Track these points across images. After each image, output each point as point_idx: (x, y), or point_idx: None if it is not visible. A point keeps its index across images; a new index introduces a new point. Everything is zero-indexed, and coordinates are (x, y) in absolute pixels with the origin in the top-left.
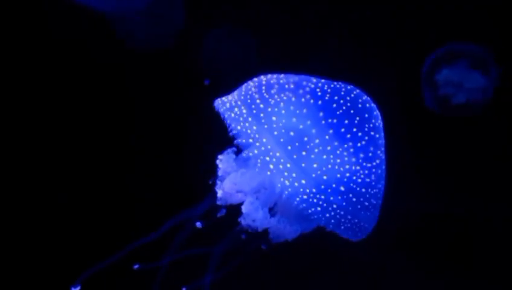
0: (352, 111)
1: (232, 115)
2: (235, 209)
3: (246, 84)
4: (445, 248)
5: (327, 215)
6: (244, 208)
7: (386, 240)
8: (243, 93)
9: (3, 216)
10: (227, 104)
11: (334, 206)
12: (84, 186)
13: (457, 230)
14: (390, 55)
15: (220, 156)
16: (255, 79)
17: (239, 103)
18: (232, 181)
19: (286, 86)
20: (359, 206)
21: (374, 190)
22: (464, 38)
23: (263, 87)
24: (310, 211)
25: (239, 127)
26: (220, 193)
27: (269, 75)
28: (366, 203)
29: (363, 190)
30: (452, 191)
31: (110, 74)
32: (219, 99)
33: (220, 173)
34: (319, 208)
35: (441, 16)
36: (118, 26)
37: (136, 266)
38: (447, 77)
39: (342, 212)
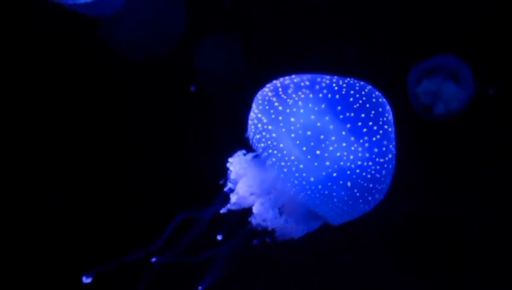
0: (367, 105)
1: (253, 129)
2: (236, 211)
3: (261, 92)
4: (432, 249)
5: (326, 207)
6: (255, 209)
7: (378, 240)
8: (260, 102)
9: (3, 216)
10: (252, 125)
11: (335, 200)
12: (84, 186)
13: (442, 230)
14: (378, 62)
15: (231, 159)
16: (269, 85)
17: (259, 115)
18: (246, 184)
19: (302, 84)
20: (360, 201)
21: (382, 186)
22: (442, 50)
23: (279, 89)
24: (310, 205)
25: (258, 136)
26: (234, 198)
27: (281, 78)
28: (370, 198)
29: (371, 185)
30: (441, 193)
31: (110, 74)
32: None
33: (231, 175)
34: (317, 201)
35: (422, 27)
36: (114, 32)
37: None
38: (425, 89)
39: (340, 205)
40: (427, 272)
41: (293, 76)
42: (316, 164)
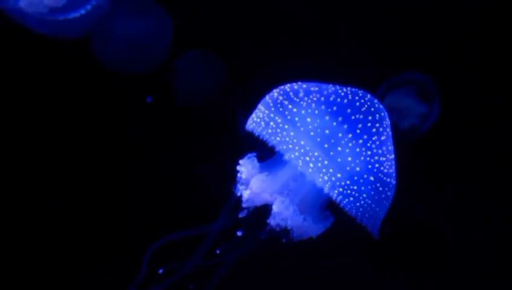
0: (372, 109)
1: (270, 130)
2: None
3: (268, 95)
4: (432, 249)
5: (357, 204)
6: (276, 207)
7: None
8: (271, 104)
9: (3, 216)
10: (262, 123)
11: (364, 195)
12: (83, 186)
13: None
14: (361, 73)
15: (241, 161)
16: (276, 90)
17: (272, 115)
18: (260, 180)
19: (311, 89)
20: (383, 196)
21: (394, 182)
22: (407, 67)
23: (290, 93)
24: (343, 202)
25: (278, 138)
26: (247, 194)
27: (288, 84)
28: (389, 194)
29: (388, 180)
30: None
31: (109, 73)
32: (250, 120)
33: (243, 175)
34: (351, 198)
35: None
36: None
37: (160, 270)
38: (388, 105)
39: (369, 201)
40: (427, 273)
41: (299, 82)
42: (339, 159)
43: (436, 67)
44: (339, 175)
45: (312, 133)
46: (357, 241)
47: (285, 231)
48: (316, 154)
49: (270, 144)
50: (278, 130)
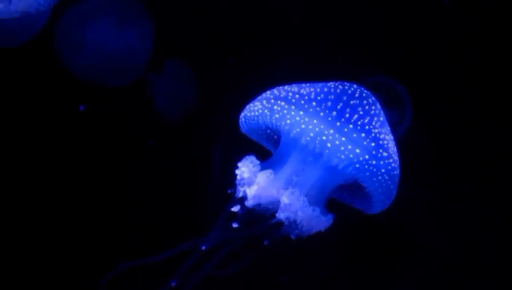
0: (364, 94)
1: (277, 115)
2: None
3: (265, 93)
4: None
5: (374, 179)
6: (285, 199)
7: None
8: (271, 96)
9: (3, 217)
10: (266, 111)
11: (383, 170)
12: (83, 187)
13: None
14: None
15: (240, 163)
16: (269, 91)
17: (273, 101)
18: (266, 175)
19: (307, 84)
20: (396, 172)
21: (398, 161)
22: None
23: (287, 87)
24: (364, 178)
25: (289, 122)
26: (254, 190)
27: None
28: (396, 172)
29: (396, 157)
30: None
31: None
32: (247, 116)
33: (245, 175)
34: (368, 173)
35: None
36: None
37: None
38: None
39: (386, 177)
40: (426, 273)
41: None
42: (354, 135)
43: (431, 69)
44: (357, 151)
45: (322, 114)
46: (357, 242)
47: (293, 226)
48: (331, 132)
49: (280, 130)
50: (285, 112)
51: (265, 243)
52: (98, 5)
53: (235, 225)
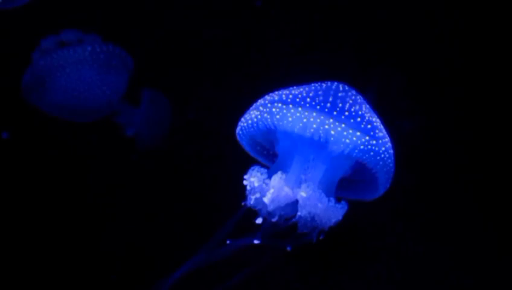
0: (347, 88)
1: (278, 116)
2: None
3: (259, 100)
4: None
5: (378, 158)
6: (303, 193)
7: None
8: (267, 102)
9: (3, 217)
10: (266, 114)
11: (383, 148)
12: (84, 187)
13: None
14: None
15: (247, 175)
16: (261, 99)
17: (269, 104)
18: (279, 177)
19: (293, 87)
20: (391, 151)
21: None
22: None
23: (277, 92)
24: (367, 159)
25: (291, 119)
26: (270, 194)
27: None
28: (392, 151)
29: (389, 137)
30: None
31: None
32: (250, 121)
33: (255, 183)
34: (372, 153)
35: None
36: None
37: None
38: None
39: (387, 156)
40: (425, 274)
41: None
42: (352, 120)
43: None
44: (358, 133)
45: (318, 107)
46: (353, 242)
47: (313, 222)
48: (331, 120)
49: (281, 130)
50: (285, 111)
51: (288, 248)
52: (74, 52)
53: (256, 239)
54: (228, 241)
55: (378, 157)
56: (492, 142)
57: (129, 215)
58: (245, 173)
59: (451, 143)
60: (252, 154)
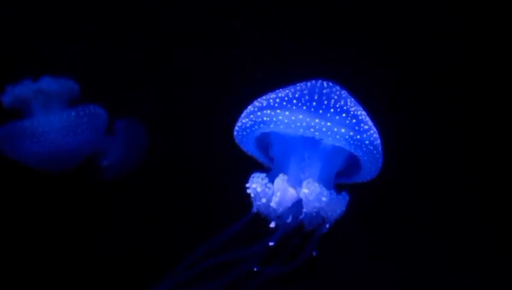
0: (330, 84)
1: (272, 125)
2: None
3: (249, 106)
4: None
5: (365, 149)
6: (305, 189)
7: None
8: (255, 109)
9: (3, 215)
10: (259, 120)
11: (367, 142)
12: (84, 187)
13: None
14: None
15: (248, 183)
16: (250, 106)
17: (259, 113)
18: (281, 179)
19: (279, 89)
20: (378, 142)
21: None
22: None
23: (265, 97)
24: (355, 151)
25: (282, 127)
26: (277, 196)
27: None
28: (379, 141)
29: (375, 129)
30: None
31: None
32: (244, 132)
33: (258, 189)
34: (359, 144)
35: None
36: None
37: None
38: None
39: (372, 148)
40: (425, 274)
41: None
42: (337, 117)
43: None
44: (343, 130)
45: (304, 108)
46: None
47: (319, 216)
48: (317, 121)
49: (274, 132)
50: (275, 119)
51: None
52: (52, 118)
53: (271, 242)
54: (255, 269)
55: (365, 149)
56: (492, 142)
57: (129, 215)
58: (245, 172)
59: (451, 143)
60: (252, 154)
